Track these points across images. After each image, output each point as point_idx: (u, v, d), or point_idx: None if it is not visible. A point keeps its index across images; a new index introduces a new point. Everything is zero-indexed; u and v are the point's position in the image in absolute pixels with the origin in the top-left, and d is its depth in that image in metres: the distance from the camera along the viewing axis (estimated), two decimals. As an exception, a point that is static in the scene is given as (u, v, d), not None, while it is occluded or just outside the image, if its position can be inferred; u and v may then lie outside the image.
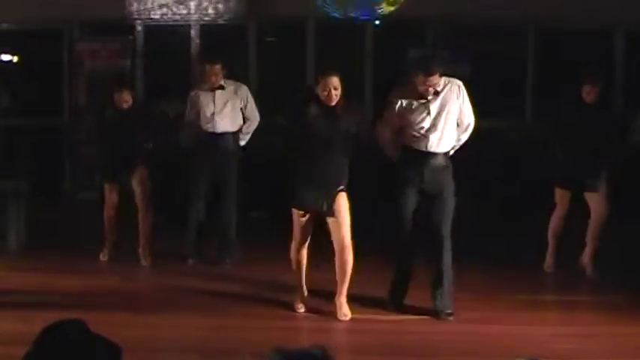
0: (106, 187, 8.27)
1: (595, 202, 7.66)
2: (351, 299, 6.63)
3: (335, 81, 6.31)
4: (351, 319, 6.49)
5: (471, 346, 5.99)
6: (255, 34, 11.49)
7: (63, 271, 7.72)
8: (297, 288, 6.74)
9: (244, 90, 8.21)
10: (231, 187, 8.17)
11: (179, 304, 6.91)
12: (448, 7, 10.59)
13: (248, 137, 8.27)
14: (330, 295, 6.62)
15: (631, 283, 7.40)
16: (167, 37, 11.63)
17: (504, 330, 6.32)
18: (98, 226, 8.29)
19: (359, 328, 6.41)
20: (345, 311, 6.53)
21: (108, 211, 8.23)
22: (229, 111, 8.08)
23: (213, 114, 8.04)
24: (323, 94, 6.32)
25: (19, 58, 12.10)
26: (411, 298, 6.78)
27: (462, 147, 6.64)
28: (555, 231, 7.83)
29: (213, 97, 8.05)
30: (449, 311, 6.51)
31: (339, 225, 6.44)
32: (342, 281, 6.54)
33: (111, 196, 8.21)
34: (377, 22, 11.12)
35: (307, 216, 6.49)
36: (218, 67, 8.01)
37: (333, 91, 6.30)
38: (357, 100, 10.48)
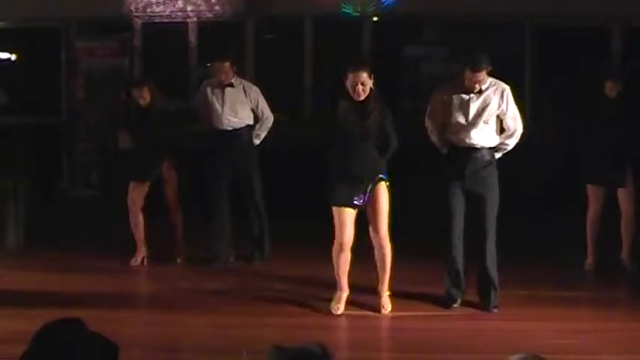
0: (132, 186, 8.06)
1: (623, 198, 7.69)
2: (356, 294, 6.65)
3: (362, 76, 6.33)
4: (350, 316, 6.50)
5: (470, 341, 5.99)
6: (254, 31, 11.48)
7: (61, 269, 7.72)
8: (337, 288, 6.61)
9: (254, 90, 8.16)
10: (253, 183, 8.08)
11: (177, 302, 6.91)
12: (446, 4, 10.57)
13: (262, 136, 8.18)
14: (330, 290, 6.63)
15: (630, 279, 7.41)
16: (165, 34, 11.61)
17: (504, 325, 6.33)
18: (96, 225, 8.28)
19: (358, 325, 6.42)
20: (384, 304, 6.56)
21: (137, 213, 8.04)
22: (238, 109, 8.04)
23: (221, 112, 8.00)
24: (351, 90, 6.36)
25: (17, 56, 12.09)
26: (411, 295, 6.79)
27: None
28: (592, 229, 7.80)
29: (223, 94, 8.03)
30: (496, 305, 6.56)
31: (375, 216, 6.45)
32: (383, 274, 6.55)
33: (140, 196, 8.05)
34: (375, 19, 11.13)
35: (347, 213, 6.41)
36: (226, 65, 7.98)
37: (360, 86, 6.33)
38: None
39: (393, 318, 6.52)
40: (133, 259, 8.04)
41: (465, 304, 6.65)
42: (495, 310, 6.53)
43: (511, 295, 6.87)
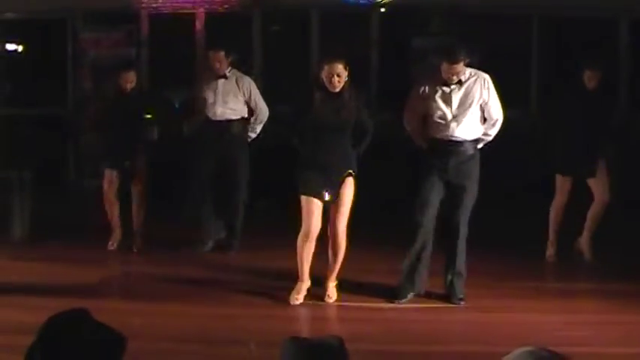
0: (107, 173, 8.22)
1: (596, 188, 7.66)
2: (355, 287, 6.64)
3: (337, 67, 6.32)
4: (354, 308, 6.50)
5: (476, 334, 5.99)
6: (260, 23, 11.45)
7: (67, 260, 7.71)
8: (298, 279, 6.65)
9: (247, 82, 8.19)
10: (238, 176, 8.16)
11: (182, 292, 6.90)
12: (453, -5, 10.57)
13: (258, 129, 8.24)
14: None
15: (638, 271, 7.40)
16: (171, 25, 11.58)
17: (511, 318, 6.34)
18: (102, 215, 8.28)
19: (362, 316, 6.41)
20: (330, 294, 6.62)
21: (109, 198, 8.21)
22: (230, 100, 8.07)
23: (214, 102, 8.05)
24: (326, 81, 6.34)
25: (24, 47, 12.08)
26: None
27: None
28: (556, 219, 7.80)
29: (216, 85, 8.06)
30: (461, 296, 6.56)
31: (337, 209, 6.48)
32: (334, 264, 6.61)
33: (111, 183, 8.18)
34: (382, 9, 11.10)
35: (315, 203, 6.43)
36: (221, 54, 8.02)
37: (336, 78, 6.32)
38: (362, 88, 10.47)
39: (397, 310, 6.52)
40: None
41: (471, 297, 6.63)
42: (462, 303, 6.54)
43: (517, 287, 6.87)
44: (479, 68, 6.57)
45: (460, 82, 6.42)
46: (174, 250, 8.12)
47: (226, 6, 11.29)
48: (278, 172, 8.22)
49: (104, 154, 8.37)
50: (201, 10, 11.39)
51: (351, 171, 6.49)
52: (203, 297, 6.83)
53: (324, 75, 6.36)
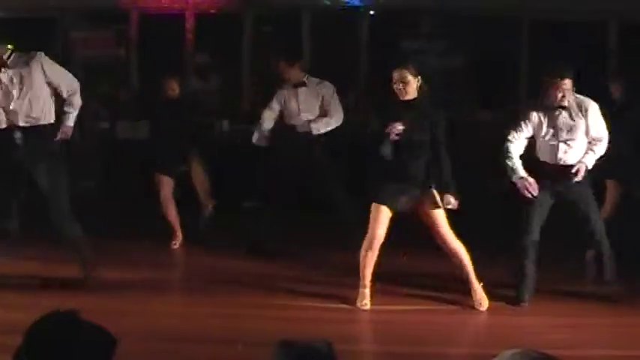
0: (161, 178, 8.21)
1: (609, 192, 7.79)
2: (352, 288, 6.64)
3: (399, 75, 6.31)
4: (342, 310, 6.50)
5: (465, 335, 6.01)
6: (251, 24, 11.46)
7: (61, 260, 7.66)
8: (360, 285, 6.57)
9: (328, 87, 8.05)
10: (329, 174, 8.02)
11: (177, 292, 6.91)
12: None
13: (324, 128, 8.01)
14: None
15: (628, 275, 7.42)
16: (161, 25, 11.57)
17: (500, 320, 6.36)
18: (95, 214, 8.25)
19: (353, 318, 6.42)
20: (479, 299, 6.52)
21: (166, 200, 8.22)
22: (310, 108, 7.97)
23: (297, 110, 7.97)
24: (394, 89, 6.34)
25: (13, 46, 12.03)
26: (392, 290, 6.82)
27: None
28: None
29: (296, 93, 7.99)
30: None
31: (433, 220, 6.40)
32: (466, 272, 6.52)
33: (166, 185, 8.21)
34: (372, 12, 11.13)
35: (384, 212, 6.35)
36: (282, 63, 7.99)
37: (400, 85, 6.30)
38: (352, 89, 10.49)
39: (389, 312, 6.53)
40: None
41: (461, 299, 6.67)
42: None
43: (505, 290, 6.88)
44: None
45: (565, 107, 6.39)
46: (170, 249, 8.12)
47: (217, 6, 11.30)
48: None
49: (157, 161, 8.34)
50: (192, 10, 11.39)
51: (431, 186, 6.38)
52: (196, 297, 6.85)
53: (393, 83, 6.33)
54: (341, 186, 8.01)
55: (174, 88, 8.04)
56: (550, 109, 6.43)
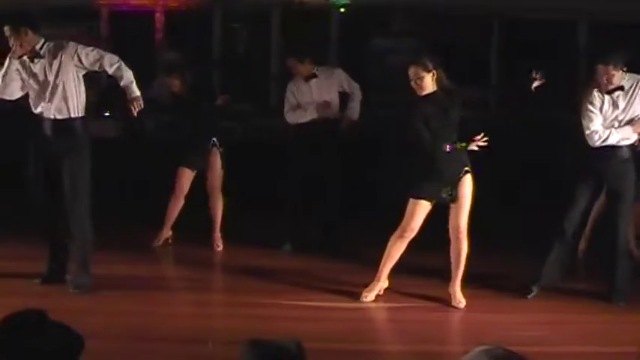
0: (183, 172, 8.12)
1: None
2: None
3: (412, 72, 6.32)
4: (318, 308, 6.47)
5: (437, 333, 6.02)
6: (220, 20, 11.42)
7: (29, 259, 7.56)
8: (376, 277, 6.56)
9: (339, 72, 8.23)
10: (335, 173, 8.07)
11: (156, 291, 6.84)
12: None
13: (358, 110, 8.14)
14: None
15: (603, 272, 7.46)
16: (132, 22, 11.51)
17: (471, 317, 6.37)
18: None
19: (328, 316, 6.37)
20: (459, 299, 6.49)
21: (178, 196, 8.09)
22: (325, 96, 8.02)
23: (311, 101, 7.99)
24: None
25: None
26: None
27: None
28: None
29: (309, 86, 8.01)
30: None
31: (458, 210, 6.38)
32: (457, 268, 6.49)
33: (187, 181, 8.11)
34: (342, 9, 11.11)
35: (422, 206, 6.33)
36: (292, 60, 8.05)
37: (416, 82, 6.30)
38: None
39: (355, 309, 6.50)
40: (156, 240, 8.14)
41: (432, 295, 6.66)
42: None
43: (478, 286, 6.89)
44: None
45: (622, 88, 6.42)
46: (141, 248, 8.05)
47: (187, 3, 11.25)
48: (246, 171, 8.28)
49: (181, 154, 8.23)
50: (161, 6, 11.33)
51: (467, 168, 6.39)
52: (175, 296, 6.84)
53: None
54: (339, 183, 8.09)
55: (176, 85, 8.00)
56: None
